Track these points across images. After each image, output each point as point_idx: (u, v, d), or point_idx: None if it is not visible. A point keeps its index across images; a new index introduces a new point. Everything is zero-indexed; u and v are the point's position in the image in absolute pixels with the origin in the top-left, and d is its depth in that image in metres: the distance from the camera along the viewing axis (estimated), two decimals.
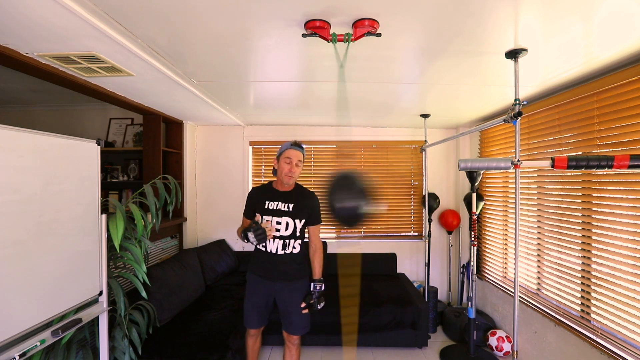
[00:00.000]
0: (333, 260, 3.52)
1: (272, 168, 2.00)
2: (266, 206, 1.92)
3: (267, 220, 1.91)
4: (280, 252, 1.91)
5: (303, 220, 1.95)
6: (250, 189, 2.01)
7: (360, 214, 1.27)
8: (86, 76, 1.94)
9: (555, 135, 2.29)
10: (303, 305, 1.93)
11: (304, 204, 1.96)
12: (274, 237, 1.91)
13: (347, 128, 3.70)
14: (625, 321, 1.77)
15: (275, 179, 2.02)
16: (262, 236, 1.77)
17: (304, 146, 2.03)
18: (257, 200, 1.97)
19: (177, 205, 2.39)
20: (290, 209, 1.92)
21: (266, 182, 2.07)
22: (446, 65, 1.82)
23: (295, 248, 1.95)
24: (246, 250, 3.70)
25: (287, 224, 1.91)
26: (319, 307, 1.91)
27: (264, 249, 1.93)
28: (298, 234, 1.95)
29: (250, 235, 1.77)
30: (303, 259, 2.01)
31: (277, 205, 1.92)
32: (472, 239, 2.56)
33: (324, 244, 3.55)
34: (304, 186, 2.09)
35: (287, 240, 1.92)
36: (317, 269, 1.99)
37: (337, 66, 1.83)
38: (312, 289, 1.95)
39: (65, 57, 1.65)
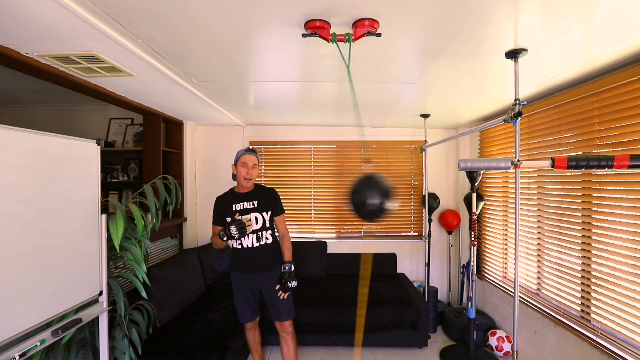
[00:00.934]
0: (333, 260, 3.52)
1: (231, 174, 2.20)
2: (234, 209, 2.08)
3: (245, 217, 2.05)
4: (255, 244, 2.08)
5: (269, 212, 2.14)
6: (215, 199, 2.19)
7: (382, 210, 1.42)
8: (86, 76, 1.94)
9: (555, 135, 2.29)
10: (277, 287, 2.05)
11: (266, 199, 2.15)
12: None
13: (347, 128, 3.70)
14: (625, 321, 1.77)
15: (236, 183, 2.18)
16: (243, 229, 1.93)
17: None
18: (224, 206, 2.12)
19: (177, 205, 2.39)
20: (256, 205, 2.11)
21: (227, 190, 2.22)
22: (446, 65, 1.82)
23: (268, 239, 2.12)
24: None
25: (256, 218, 2.09)
26: (289, 285, 2.02)
27: (240, 246, 2.09)
28: (268, 224, 2.13)
29: (233, 229, 1.91)
30: (277, 249, 2.17)
31: (243, 205, 2.10)
32: (472, 239, 2.56)
33: (324, 244, 3.56)
34: (263, 185, 2.28)
35: (260, 233, 2.09)
36: (287, 253, 2.14)
37: (337, 66, 1.83)
38: (282, 271, 2.10)
39: (65, 57, 1.65)
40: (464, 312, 3.07)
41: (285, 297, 2.05)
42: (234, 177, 2.14)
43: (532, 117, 2.52)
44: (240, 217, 2.01)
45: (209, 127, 3.71)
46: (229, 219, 2.06)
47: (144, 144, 3.02)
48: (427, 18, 1.31)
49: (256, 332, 2.27)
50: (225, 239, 1.94)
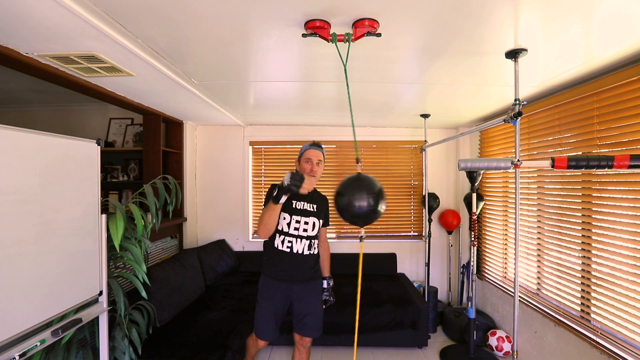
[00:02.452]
0: (333, 260, 3.50)
1: (295, 170, 1.98)
2: (294, 205, 1.89)
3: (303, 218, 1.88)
4: (306, 252, 1.90)
5: (321, 221, 1.98)
6: (271, 185, 1.88)
7: (375, 212, 1.30)
8: (86, 76, 1.94)
9: (555, 135, 2.29)
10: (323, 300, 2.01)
11: (321, 206, 1.99)
12: (301, 237, 1.89)
13: (347, 128, 3.70)
14: (625, 321, 1.77)
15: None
16: (299, 183, 1.53)
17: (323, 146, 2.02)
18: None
19: (177, 205, 2.39)
20: (315, 210, 1.94)
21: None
22: (446, 65, 1.82)
23: (316, 249, 1.97)
24: (246, 250, 3.70)
25: (314, 224, 1.92)
26: (332, 302, 2.04)
27: (288, 249, 1.88)
28: (318, 234, 1.98)
29: (286, 177, 1.53)
30: (318, 261, 2.04)
31: (304, 205, 1.92)
32: (472, 239, 2.56)
33: None
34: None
35: (313, 241, 1.93)
36: (328, 267, 2.09)
37: (337, 66, 1.83)
38: (325, 286, 2.04)
39: (65, 57, 1.65)
40: (464, 312, 3.07)
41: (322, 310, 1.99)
42: None
43: (532, 117, 2.52)
44: (290, 220, 1.84)
45: (209, 127, 3.72)
46: (285, 215, 1.85)
47: (144, 144, 3.02)
48: (427, 18, 1.31)
49: (260, 350, 2.10)
50: (281, 194, 1.58)
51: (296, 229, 1.88)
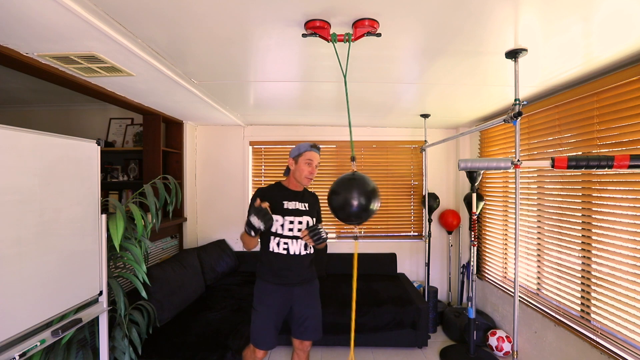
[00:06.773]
0: (333, 260, 3.52)
1: (285, 167, 1.94)
2: (285, 206, 1.84)
3: (266, 205, 1.71)
4: (303, 252, 1.85)
5: (315, 219, 1.93)
6: (256, 190, 1.89)
7: (369, 211, 1.31)
8: (86, 76, 1.94)
9: (555, 135, 2.29)
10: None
11: (314, 203, 1.96)
12: (297, 238, 1.82)
13: (346, 128, 3.70)
14: (625, 321, 1.77)
15: (285, 178, 1.95)
16: (267, 216, 1.62)
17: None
18: (272, 201, 1.81)
19: (177, 205, 2.38)
20: (307, 208, 1.90)
21: (273, 183, 1.97)
22: (446, 65, 1.82)
23: (311, 248, 1.90)
24: (246, 250, 3.69)
25: (308, 222, 1.86)
26: (321, 233, 1.70)
27: (285, 251, 1.82)
28: None
29: (254, 220, 1.60)
30: (313, 260, 1.98)
31: (295, 204, 1.87)
32: (472, 239, 2.56)
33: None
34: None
35: None
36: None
37: (337, 66, 1.83)
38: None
39: (65, 57, 1.65)
40: (464, 312, 3.07)
41: (308, 236, 1.69)
42: (288, 171, 1.90)
43: (532, 117, 2.52)
44: (260, 204, 1.64)
45: (209, 127, 3.72)
46: (277, 217, 1.79)
47: (144, 144, 3.02)
48: (427, 18, 1.31)
49: None
50: (252, 234, 1.64)
51: (291, 229, 1.82)
